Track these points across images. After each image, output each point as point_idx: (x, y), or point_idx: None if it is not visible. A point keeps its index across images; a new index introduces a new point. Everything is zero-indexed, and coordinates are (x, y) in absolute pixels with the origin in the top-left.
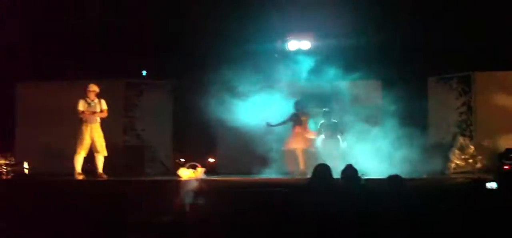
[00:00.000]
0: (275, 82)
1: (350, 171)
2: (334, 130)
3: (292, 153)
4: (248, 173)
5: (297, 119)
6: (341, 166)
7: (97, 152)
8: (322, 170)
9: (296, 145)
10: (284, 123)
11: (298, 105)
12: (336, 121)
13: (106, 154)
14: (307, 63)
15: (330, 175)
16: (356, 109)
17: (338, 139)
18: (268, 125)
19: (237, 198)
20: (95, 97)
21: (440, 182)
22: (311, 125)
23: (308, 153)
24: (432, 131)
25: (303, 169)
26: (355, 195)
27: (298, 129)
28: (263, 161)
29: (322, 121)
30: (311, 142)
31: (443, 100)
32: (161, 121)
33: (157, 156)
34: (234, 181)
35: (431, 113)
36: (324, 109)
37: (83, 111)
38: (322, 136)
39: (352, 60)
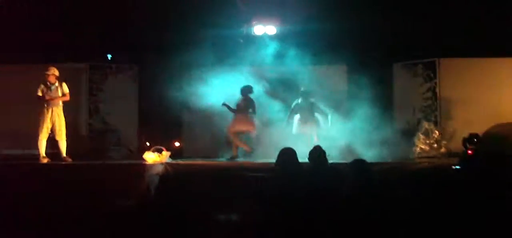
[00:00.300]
0: (241, 67)
1: (317, 152)
2: (311, 110)
3: (235, 137)
4: (214, 156)
5: (240, 104)
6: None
7: (56, 136)
8: (287, 154)
9: (237, 128)
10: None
11: (243, 90)
12: (313, 101)
13: (63, 140)
14: (272, 48)
15: (296, 158)
16: (322, 94)
17: (316, 120)
18: (224, 104)
19: (203, 182)
20: (55, 80)
21: (405, 166)
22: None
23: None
24: (397, 116)
25: (248, 150)
26: (322, 178)
27: (239, 115)
28: (229, 145)
29: (299, 101)
30: (250, 127)
31: (409, 86)
32: (126, 104)
33: (122, 140)
34: (200, 165)
35: (396, 98)
36: (301, 89)
37: (42, 96)
38: (298, 116)
39: (318, 45)
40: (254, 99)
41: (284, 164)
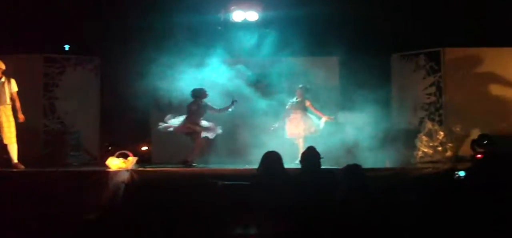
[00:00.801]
0: (218, 59)
1: (310, 153)
2: (306, 111)
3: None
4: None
5: (193, 108)
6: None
7: (5, 140)
8: (270, 158)
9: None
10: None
11: (194, 93)
12: (309, 100)
13: (13, 144)
14: (253, 37)
15: (281, 163)
16: (310, 89)
17: (312, 123)
18: (234, 101)
19: (175, 192)
20: (1, 75)
21: (405, 172)
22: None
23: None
24: (396, 115)
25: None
26: (313, 184)
27: (190, 119)
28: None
29: (294, 100)
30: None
31: (409, 80)
32: (86, 102)
33: (82, 143)
34: (171, 172)
35: (395, 94)
36: (299, 86)
37: None
38: (290, 118)
39: (305, 34)
40: (208, 103)
41: (267, 170)
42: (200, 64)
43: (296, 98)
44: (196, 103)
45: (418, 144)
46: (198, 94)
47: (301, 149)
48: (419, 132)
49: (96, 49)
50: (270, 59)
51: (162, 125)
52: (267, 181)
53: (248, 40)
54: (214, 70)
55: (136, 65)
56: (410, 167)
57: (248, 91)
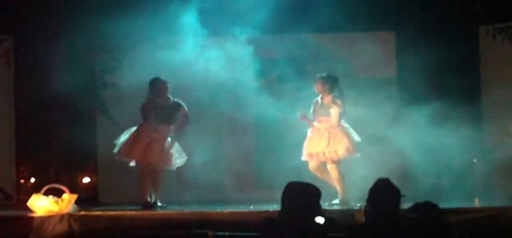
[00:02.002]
0: (192, 38)
1: (385, 191)
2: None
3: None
4: (155, 203)
5: (149, 111)
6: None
7: None
8: (300, 194)
9: (145, 159)
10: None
11: (154, 86)
12: (337, 96)
13: None
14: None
15: (317, 204)
16: (353, 80)
17: (342, 131)
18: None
19: None
20: None
21: (505, 215)
22: None
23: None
24: (488, 121)
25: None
26: None
27: (145, 131)
28: (182, 181)
29: (318, 100)
30: (168, 158)
31: (509, 66)
32: None
33: None
34: (133, 217)
35: (485, 88)
36: (320, 75)
37: None
38: (315, 124)
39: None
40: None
41: (294, 215)
42: (173, 44)
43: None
44: (152, 102)
45: None
46: (155, 87)
47: (331, 179)
48: None
49: (8, 24)
50: (287, 36)
51: (118, 147)
52: (295, 234)
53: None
54: (195, 52)
55: (72, 48)
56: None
57: (250, 86)
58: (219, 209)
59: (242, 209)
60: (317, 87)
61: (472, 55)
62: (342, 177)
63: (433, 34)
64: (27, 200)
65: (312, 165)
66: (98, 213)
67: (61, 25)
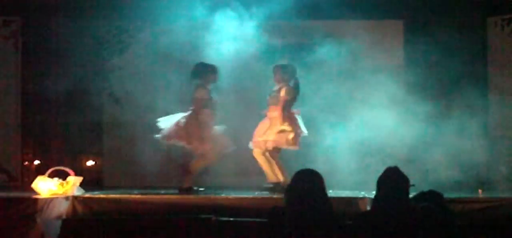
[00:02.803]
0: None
1: (393, 179)
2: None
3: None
4: (161, 186)
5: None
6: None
7: None
8: (307, 180)
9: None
10: None
11: (197, 72)
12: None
13: None
14: None
15: (323, 190)
16: (360, 68)
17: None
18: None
19: (143, 234)
20: None
21: (506, 206)
22: None
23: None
24: (495, 111)
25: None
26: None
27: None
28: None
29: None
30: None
31: None
32: (0, 89)
33: None
34: (137, 201)
35: (493, 79)
36: (277, 64)
37: None
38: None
39: None
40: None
41: (301, 201)
42: (180, 28)
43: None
44: (204, 89)
45: None
46: (205, 71)
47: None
48: None
49: (15, 6)
50: (293, 23)
51: (162, 131)
52: (305, 219)
53: None
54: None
55: (79, 33)
56: None
57: (255, 71)
58: (223, 194)
59: (246, 194)
60: (276, 75)
61: (480, 46)
62: (269, 164)
63: (441, 23)
64: (31, 182)
65: (255, 152)
66: (103, 196)
67: (69, 8)
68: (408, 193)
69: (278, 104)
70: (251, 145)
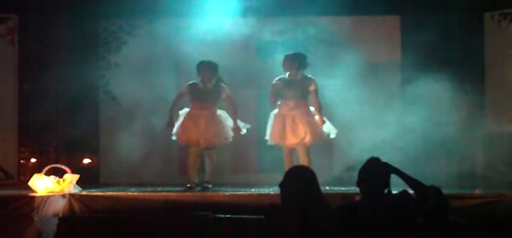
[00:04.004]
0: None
1: (375, 169)
2: (304, 93)
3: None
4: (159, 183)
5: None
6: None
7: None
8: (301, 177)
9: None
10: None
11: (203, 67)
12: (309, 76)
13: None
14: None
15: (316, 186)
16: (357, 64)
17: (309, 112)
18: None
19: (139, 231)
20: None
21: (506, 202)
22: None
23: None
24: (491, 108)
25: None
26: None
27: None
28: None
29: (283, 77)
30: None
31: None
32: None
33: None
34: (134, 198)
35: (490, 76)
36: (289, 54)
37: None
38: (280, 107)
39: None
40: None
41: (295, 197)
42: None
43: (287, 75)
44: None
45: None
46: (209, 68)
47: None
48: None
49: (12, 3)
50: (290, 18)
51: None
52: (296, 215)
53: None
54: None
55: (75, 29)
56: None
57: (252, 68)
58: (220, 191)
59: (243, 191)
60: (285, 65)
61: (477, 41)
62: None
63: (438, 19)
64: (28, 180)
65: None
66: (99, 193)
67: (65, 5)
68: (388, 183)
69: (308, 98)
70: (271, 140)
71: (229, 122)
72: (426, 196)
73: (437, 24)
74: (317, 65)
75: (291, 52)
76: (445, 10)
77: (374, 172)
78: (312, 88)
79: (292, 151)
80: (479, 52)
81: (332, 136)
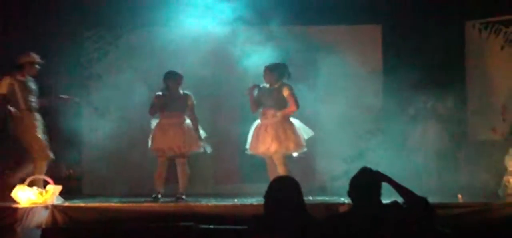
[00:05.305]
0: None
1: (367, 179)
2: (280, 102)
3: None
4: (144, 194)
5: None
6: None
7: None
8: (284, 188)
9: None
10: None
11: (170, 77)
12: (283, 82)
13: None
14: None
15: (300, 197)
16: (338, 73)
17: (290, 125)
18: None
19: None
20: None
21: (488, 211)
22: None
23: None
24: (472, 117)
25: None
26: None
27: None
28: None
29: (260, 87)
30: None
31: (494, 62)
32: None
33: None
34: (118, 209)
35: (470, 85)
36: (269, 64)
37: None
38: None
39: None
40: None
41: (279, 208)
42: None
43: (266, 85)
44: (172, 90)
45: (509, 164)
46: (175, 78)
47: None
48: (509, 144)
49: None
50: (273, 28)
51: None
52: (280, 226)
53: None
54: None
55: (56, 38)
56: (496, 203)
57: (234, 76)
58: (203, 202)
59: (226, 202)
60: (266, 75)
61: (458, 50)
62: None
63: (419, 28)
64: (10, 191)
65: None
66: (82, 204)
67: (48, 16)
68: (379, 192)
69: (285, 104)
70: (250, 150)
71: (200, 131)
72: (416, 205)
73: (418, 33)
74: (299, 74)
75: (271, 63)
76: (426, 19)
77: (367, 181)
78: (285, 93)
79: (273, 160)
80: (460, 60)
81: (301, 151)
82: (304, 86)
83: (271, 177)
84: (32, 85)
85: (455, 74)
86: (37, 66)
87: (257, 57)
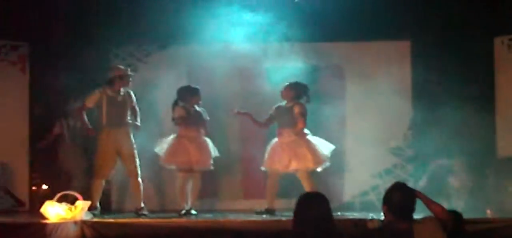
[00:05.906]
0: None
1: (402, 196)
2: (293, 120)
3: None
4: (169, 210)
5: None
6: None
7: None
8: (315, 204)
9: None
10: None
11: (184, 93)
12: (297, 102)
13: None
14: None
15: (329, 213)
16: (363, 92)
17: (307, 142)
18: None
19: None
20: None
21: None
22: None
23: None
24: (503, 133)
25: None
26: None
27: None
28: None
29: (277, 106)
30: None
31: None
32: (7, 114)
33: (3, 180)
34: (145, 225)
35: (500, 101)
36: (289, 82)
37: None
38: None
39: (361, 9)
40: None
41: (309, 225)
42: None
43: (284, 103)
44: (186, 108)
45: None
46: (192, 94)
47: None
48: None
49: (23, 31)
50: (301, 44)
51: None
52: None
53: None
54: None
55: (86, 55)
56: None
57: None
58: (232, 217)
59: (254, 217)
60: (284, 93)
61: (487, 66)
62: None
63: (448, 44)
64: (40, 207)
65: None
66: (111, 220)
67: (81, 31)
68: (414, 208)
69: (297, 122)
70: (265, 167)
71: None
72: (447, 220)
73: (446, 49)
74: (328, 89)
75: (292, 81)
76: (455, 35)
77: (402, 196)
78: (296, 110)
79: (276, 177)
80: (489, 77)
81: (322, 166)
82: (332, 102)
83: (269, 193)
84: (123, 99)
85: (484, 90)
86: (129, 78)
87: (286, 73)
